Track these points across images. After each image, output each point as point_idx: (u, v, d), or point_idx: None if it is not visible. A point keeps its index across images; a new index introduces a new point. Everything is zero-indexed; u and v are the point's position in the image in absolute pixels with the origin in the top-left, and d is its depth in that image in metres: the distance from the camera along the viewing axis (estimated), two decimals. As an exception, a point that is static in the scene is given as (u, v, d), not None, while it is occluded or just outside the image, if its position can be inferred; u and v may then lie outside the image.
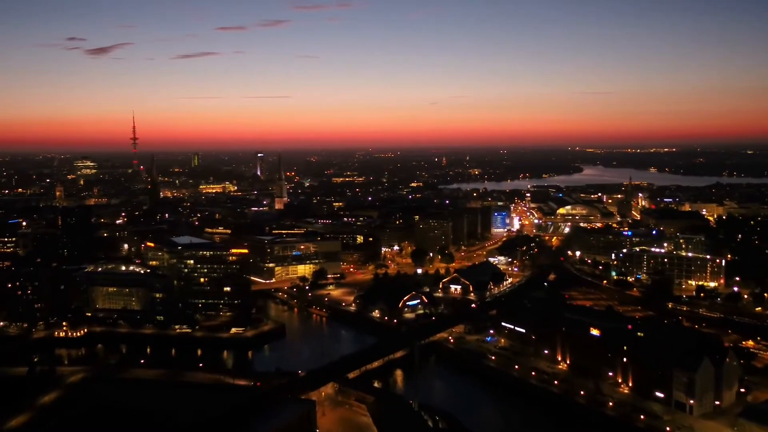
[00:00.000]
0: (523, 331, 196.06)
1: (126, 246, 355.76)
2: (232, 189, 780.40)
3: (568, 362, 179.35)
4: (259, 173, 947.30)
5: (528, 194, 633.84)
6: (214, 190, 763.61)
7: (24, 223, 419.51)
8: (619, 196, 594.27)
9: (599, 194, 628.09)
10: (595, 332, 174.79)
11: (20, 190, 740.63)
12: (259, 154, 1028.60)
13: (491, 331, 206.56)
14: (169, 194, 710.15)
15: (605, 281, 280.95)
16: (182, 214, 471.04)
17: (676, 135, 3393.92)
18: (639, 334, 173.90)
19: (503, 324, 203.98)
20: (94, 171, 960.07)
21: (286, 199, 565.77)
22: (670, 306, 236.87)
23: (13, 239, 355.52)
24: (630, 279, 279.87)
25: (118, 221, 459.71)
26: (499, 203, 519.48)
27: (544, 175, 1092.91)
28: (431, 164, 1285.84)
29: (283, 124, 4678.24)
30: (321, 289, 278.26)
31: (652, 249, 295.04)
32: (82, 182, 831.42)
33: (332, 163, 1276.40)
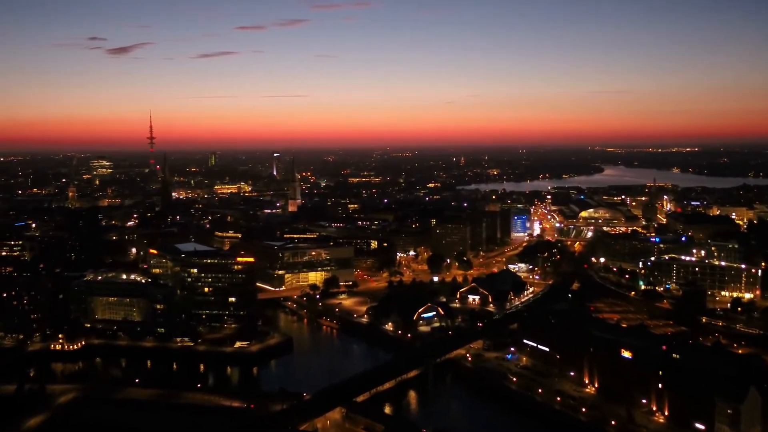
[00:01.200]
0: (547, 349, 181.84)
1: (134, 250, 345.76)
2: (247, 189, 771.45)
3: (596, 385, 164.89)
4: (275, 173, 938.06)
5: (548, 196, 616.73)
6: (229, 191, 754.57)
7: (33, 225, 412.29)
8: (643, 198, 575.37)
9: (622, 196, 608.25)
10: (626, 354, 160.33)
11: (35, 190, 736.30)
12: (275, 154, 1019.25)
13: (512, 349, 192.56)
14: (183, 194, 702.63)
15: (633, 292, 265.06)
16: (194, 217, 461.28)
17: (697, 134, 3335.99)
18: (674, 355, 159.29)
19: (525, 341, 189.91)
20: (109, 171, 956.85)
21: (299, 201, 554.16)
22: (704, 321, 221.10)
23: (20, 243, 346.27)
24: (659, 289, 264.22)
25: (129, 223, 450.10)
26: (519, 206, 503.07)
27: (564, 176, 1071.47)
28: (449, 164, 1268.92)
29: (300, 123, 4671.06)
30: (332, 298, 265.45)
31: (683, 257, 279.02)
32: (97, 182, 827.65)
33: (349, 163, 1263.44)
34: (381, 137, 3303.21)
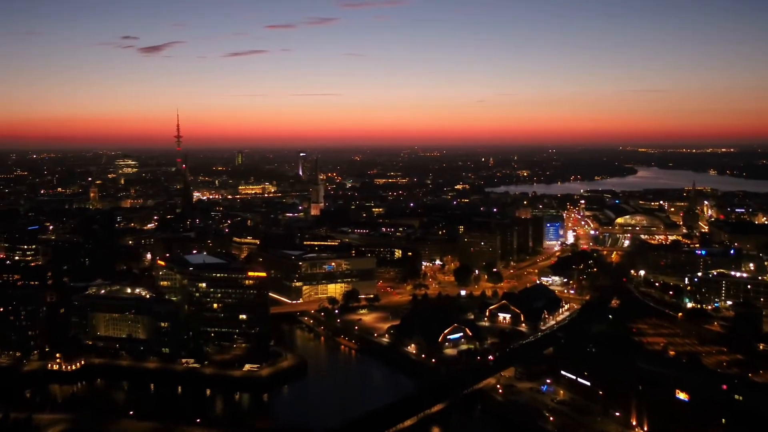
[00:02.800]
0: (587, 383, 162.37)
1: (149, 256, 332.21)
2: (272, 190, 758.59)
3: (645, 429, 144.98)
4: (300, 173, 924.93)
5: (582, 200, 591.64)
6: (253, 191, 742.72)
7: (51, 228, 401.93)
8: (682, 203, 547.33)
9: (660, 201, 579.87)
10: (681, 395, 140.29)
11: (59, 189, 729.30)
12: (301, 154, 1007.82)
13: (548, 380, 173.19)
14: (207, 195, 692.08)
15: (680, 313, 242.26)
16: (213, 220, 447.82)
17: (732, 134, 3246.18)
18: (737, 397, 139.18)
19: (562, 372, 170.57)
20: (135, 170, 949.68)
21: (322, 204, 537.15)
22: (761, 348, 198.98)
23: (33, 247, 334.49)
24: (707, 308, 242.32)
25: (149, 225, 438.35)
26: (551, 211, 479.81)
27: (596, 177, 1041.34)
28: (478, 164, 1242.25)
29: (329, 122, 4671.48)
30: (352, 313, 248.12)
31: (732, 272, 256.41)
32: (122, 181, 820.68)
33: (376, 163, 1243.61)
34: (410, 136, 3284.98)
